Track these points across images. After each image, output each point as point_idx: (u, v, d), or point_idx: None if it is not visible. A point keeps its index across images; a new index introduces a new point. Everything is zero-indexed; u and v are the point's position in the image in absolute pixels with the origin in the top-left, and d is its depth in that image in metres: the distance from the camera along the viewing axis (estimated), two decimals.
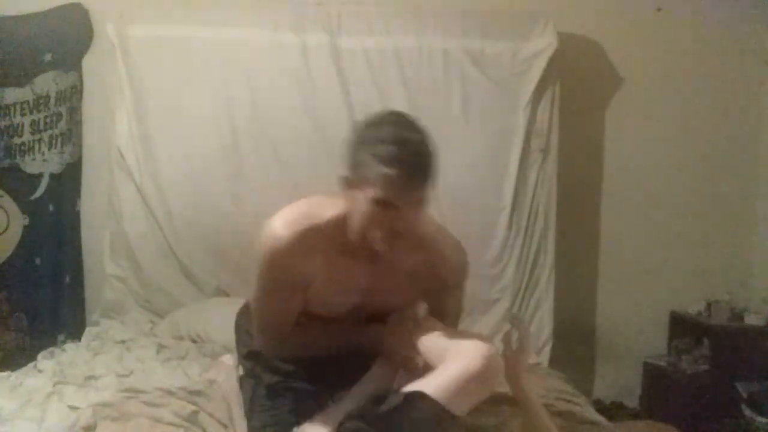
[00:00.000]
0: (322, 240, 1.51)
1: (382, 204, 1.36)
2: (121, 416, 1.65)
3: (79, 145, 3.10)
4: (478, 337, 1.49)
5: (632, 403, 3.14)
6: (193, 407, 1.72)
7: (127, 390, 1.90)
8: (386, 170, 1.33)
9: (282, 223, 1.51)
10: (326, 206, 1.54)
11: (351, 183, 1.43)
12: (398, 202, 1.36)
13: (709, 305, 3.03)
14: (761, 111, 3.23)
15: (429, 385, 1.37)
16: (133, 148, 2.93)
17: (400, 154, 1.34)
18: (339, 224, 1.49)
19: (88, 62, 3.09)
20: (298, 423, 1.56)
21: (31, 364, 2.32)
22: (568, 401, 2.09)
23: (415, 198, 1.38)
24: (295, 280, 1.55)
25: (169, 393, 1.81)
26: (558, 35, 2.91)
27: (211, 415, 1.71)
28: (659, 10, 3.16)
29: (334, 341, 1.64)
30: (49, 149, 3.05)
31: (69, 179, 3.08)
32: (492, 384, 1.44)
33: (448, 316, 1.69)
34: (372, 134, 1.40)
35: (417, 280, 1.61)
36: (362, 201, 1.39)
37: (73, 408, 1.84)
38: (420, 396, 1.34)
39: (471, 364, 1.39)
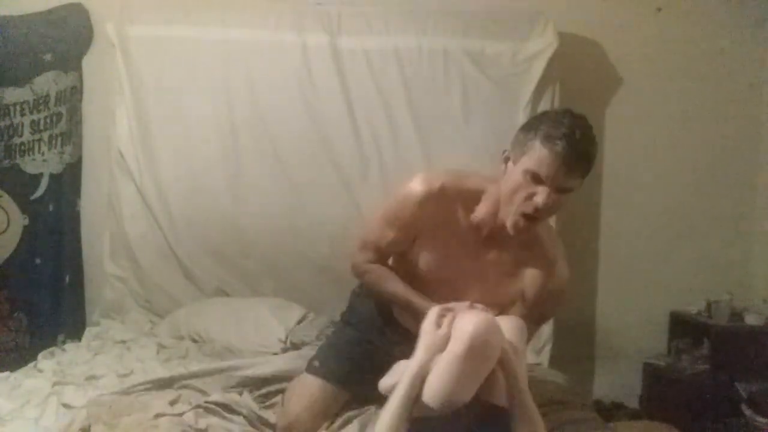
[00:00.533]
0: (449, 206, 1.68)
1: (533, 176, 1.50)
2: (115, 417, 1.65)
3: (79, 145, 3.10)
4: (475, 314, 1.48)
5: (632, 403, 3.14)
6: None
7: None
8: (550, 147, 1.47)
9: (422, 179, 1.70)
10: (470, 179, 1.73)
11: (511, 157, 1.60)
12: (548, 179, 1.49)
13: (709, 305, 3.03)
14: (761, 111, 3.23)
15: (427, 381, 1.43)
16: (133, 148, 2.93)
17: (568, 138, 1.46)
18: (472, 198, 1.68)
19: (88, 62, 3.09)
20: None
21: (31, 364, 2.32)
22: (568, 401, 2.09)
23: (563, 183, 1.50)
24: (411, 228, 1.72)
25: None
26: (558, 35, 2.91)
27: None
28: (659, 10, 3.16)
29: (399, 297, 1.76)
30: (49, 149, 3.05)
31: (69, 179, 3.08)
32: (486, 357, 1.44)
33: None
34: (549, 119, 1.53)
35: (514, 281, 1.71)
36: (516, 172, 1.54)
37: (68, 407, 1.84)
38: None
39: (455, 347, 1.42)
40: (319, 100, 2.94)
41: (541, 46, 2.94)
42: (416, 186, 1.69)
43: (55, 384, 2.05)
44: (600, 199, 3.21)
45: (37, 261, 3.05)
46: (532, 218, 1.55)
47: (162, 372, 2.20)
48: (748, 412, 2.78)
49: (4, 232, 3.05)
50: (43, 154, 3.05)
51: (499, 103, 2.96)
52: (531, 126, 1.56)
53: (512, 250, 1.68)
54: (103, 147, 3.05)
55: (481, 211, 1.67)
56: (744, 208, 3.24)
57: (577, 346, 3.11)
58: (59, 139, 3.05)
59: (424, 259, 1.74)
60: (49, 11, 3.04)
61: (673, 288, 3.18)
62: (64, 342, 2.83)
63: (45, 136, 3.05)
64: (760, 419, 2.73)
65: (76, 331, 2.89)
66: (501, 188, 1.60)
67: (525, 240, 1.66)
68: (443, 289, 1.69)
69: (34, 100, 3.04)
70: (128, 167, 2.94)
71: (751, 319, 2.97)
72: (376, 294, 1.87)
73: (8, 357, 2.88)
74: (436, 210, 1.68)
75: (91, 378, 2.14)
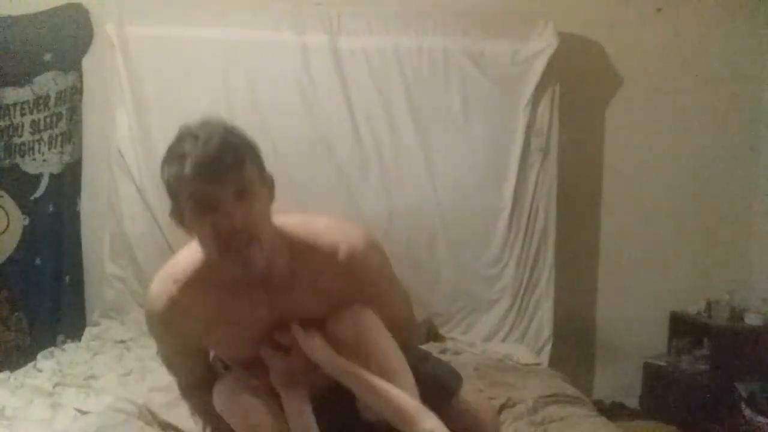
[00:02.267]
0: (201, 285, 1.36)
1: (198, 210, 1.26)
2: None
3: (79, 145, 3.10)
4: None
5: (632, 403, 3.14)
6: None
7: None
8: (179, 179, 1.26)
9: (156, 284, 1.42)
10: (190, 252, 1.40)
11: (175, 214, 1.34)
12: (209, 197, 1.24)
13: (709, 305, 3.03)
14: (761, 111, 3.23)
15: None
16: (133, 148, 2.93)
17: (192, 149, 1.25)
18: (208, 269, 1.36)
19: (88, 62, 3.09)
20: None
21: (31, 364, 2.32)
22: (568, 401, 2.09)
23: (228, 188, 1.24)
24: (188, 338, 1.42)
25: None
26: (558, 35, 2.91)
27: None
28: (659, 10, 3.16)
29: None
30: (49, 149, 3.05)
31: (69, 179, 3.08)
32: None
33: (387, 317, 1.44)
34: (164, 159, 1.33)
35: (321, 296, 1.40)
36: (191, 221, 1.29)
37: (79, 411, 1.84)
38: None
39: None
40: (319, 100, 2.94)
41: (541, 46, 2.94)
42: (152, 307, 1.40)
43: (56, 384, 2.05)
44: (600, 199, 3.21)
45: (37, 261, 3.05)
46: (242, 240, 1.25)
47: (162, 372, 2.20)
48: (748, 412, 2.78)
49: (4, 232, 3.05)
50: (43, 154, 3.05)
51: (499, 103, 2.97)
52: (162, 168, 1.33)
53: (295, 279, 1.38)
54: (103, 147, 3.05)
55: (221, 279, 1.35)
56: (744, 208, 3.24)
57: (577, 346, 3.12)
58: (59, 139, 3.05)
59: (224, 349, 1.48)
60: (49, 11, 3.04)
61: (673, 288, 3.18)
62: (64, 342, 2.83)
63: (45, 136, 3.05)
64: (760, 419, 2.73)
65: (76, 331, 2.89)
66: (201, 243, 1.31)
67: (296, 262, 1.37)
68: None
69: (34, 100, 3.04)
70: (128, 167, 2.94)
71: (751, 319, 2.97)
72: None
73: (8, 357, 2.88)
74: (191, 312, 1.37)
75: (91, 378, 2.14)
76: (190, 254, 1.40)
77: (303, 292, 1.38)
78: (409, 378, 1.38)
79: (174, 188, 1.30)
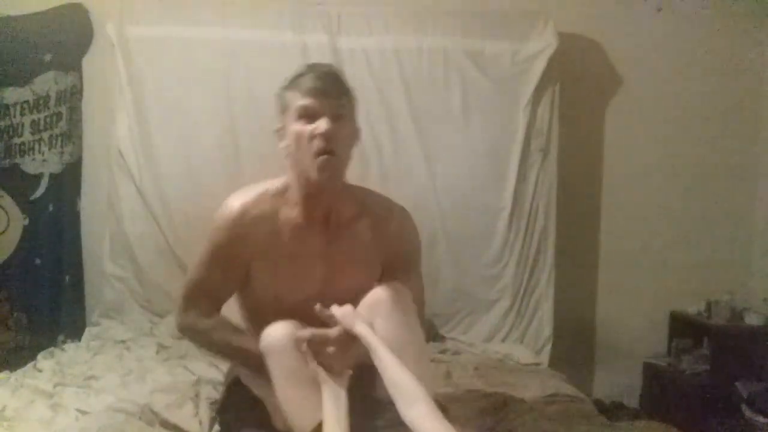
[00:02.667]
0: (268, 219, 1.55)
1: (304, 116, 1.49)
2: None
3: (79, 145, 3.10)
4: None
5: (632, 403, 3.14)
6: None
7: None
8: (299, 86, 1.51)
9: (234, 197, 1.59)
10: (272, 182, 1.61)
11: (281, 126, 1.58)
12: (316, 108, 1.48)
13: (709, 305, 3.03)
14: (761, 111, 3.23)
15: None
16: (133, 148, 2.93)
17: (308, 73, 1.52)
18: (281, 198, 1.57)
19: (88, 62, 3.09)
20: None
21: (31, 364, 2.32)
22: (568, 401, 2.09)
23: (330, 108, 1.48)
24: (239, 258, 1.56)
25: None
26: (558, 35, 2.92)
27: None
28: (659, 10, 3.16)
29: (240, 350, 1.56)
30: (49, 149, 3.05)
31: (69, 179, 3.08)
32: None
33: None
34: (282, 89, 1.59)
35: (369, 255, 1.59)
36: (291, 128, 1.52)
37: (80, 411, 1.84)
38: None
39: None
40: None
41: (541, 46, 2.94)
42: (226, 212, 1.58)
43: (56, 385, 2.05)
44: (600, 199, 3.21)
45: (37, 261, 3.05)
46: (327, 152, 1.47)
47: (162, 372, 2.21)
48: (748, 412, 2.78)
49: (4, 232, 3.05)
50: (43, 154, 3.05)
51: (499, 103, 2.97)
52: (282, 92, 1.59)
53: (349, 231, 1.57)
54: (103, 147, 3.05)
55: (292, 203, 1.56)
56: (744, 209, 3.24)
57: (577, 346, 3.12)
58: (59, 139, 3.05)
59: (268, 285, 1.56)
60: (49, 11, 3.04)
61: (673, 288, 3.18)
62: (64, 342, 2.83)
63: (45, 136, 3.05)
64: (760, 419, 2.73)
65: (76, 331, 2.89)
66: (291, 163, 1.54)
67: (354, 213, 1.58)
68: (300, 307, 1.49)
69: (34, 100, 3.04)
70: (128, 167, 2.94)
71: (751, 319, 2.97)
72: (214, 353, 1.69)
73: (8, 357, 2.88)
74: (257, 227, 1.54)
75: (91, 378, 2.14)
76: (270, 182, 1.61)
77: (354, 242, 1.56)
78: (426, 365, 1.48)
79: (288, 100, 1.54)
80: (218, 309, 1.62)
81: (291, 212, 1.56)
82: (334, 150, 1.47)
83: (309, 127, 1.48)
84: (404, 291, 1.51)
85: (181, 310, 1.62)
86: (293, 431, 1.39)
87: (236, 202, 1.57)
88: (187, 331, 1.64)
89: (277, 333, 1.44)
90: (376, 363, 1.36)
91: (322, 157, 1.47)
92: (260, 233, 1.54)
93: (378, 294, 1.48)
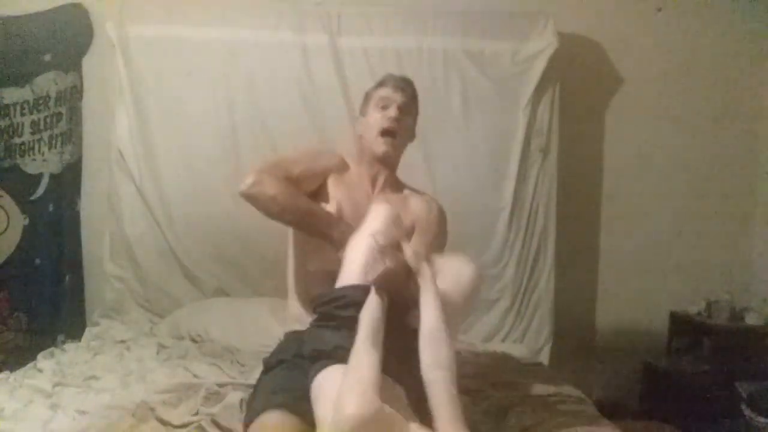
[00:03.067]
0: (342, 161, 2.05)
1: (381, 105, 1.98)
2: None
3: (79, 145, 3.11)
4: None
5: (632, 403, 3.14)
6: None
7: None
8: (381, 86, 2.03)
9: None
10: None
11: (362, 112, 2.08)
12: (391, 99, 1.98)
13: (709, 305, 3.03)
14: (761, 111, 3.23)
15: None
16: (133, 148, 2.93)
17: (389, 76, 2.07)
18: (341, 165, 2.04)
19: (88, 62, 3.09)
20: None
21: (31, 364, 2.32)
22: (568, 401, 2.09)
23: (402, 99, 2.00)
24: (325, 166, 2.01)
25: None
26: (558, 35, 2.92)
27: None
28: (659, 10, 3.16)
29: (312, 215, 1.87)
30: (49, 149, 3.05)
31: (69, 179, 3.08)
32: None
33: None
34: (369, 91, 2.08)
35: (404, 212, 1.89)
36: (370, 112, 2.02)
37: (79, 412, 1.84)
38: None
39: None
40: (319, 100, 2.94)
41: (541, 46, 2.94)
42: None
43: (56, 385, 2.05)
44: (600, 199, 3.21)
45: (37, 261, 3.05)
46: (391, 132, 1.97)
47: (162, 372, 2.20)
48: (748, 412, 2.78)
49: (4, 232, 3.05)
50: (43, 154, 3.05)
51: (499, 103, 2.97)
52: (369, 91, 2.08)
53: (397, 194, 2.03)
54: (103, 147, 3.05)
55: (366, 141, 2.02)
56: (744, 208, 3.24)
57: (577, 346, 3.12)
58: (59, 139, 3.06)
59: (332, 201, 1.92)
60: (49, 11, 3.04)
61: (673, 288, 3.18)
62: (64, 342, 2.83)
63: (45, 136, 3.05)
64: (760, 419, 2.73)
65: (76, 331, 2.89)
66: (362, 136, 2.04)
67: (401, 189, 2.07)
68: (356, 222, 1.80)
69: (34, 100, 3.04)
70: (128, 167, 2.94)
71: (751, 319, 2.97)
72: (279, 212, 1.88)
73: (8, 357, 2.88)
74: (342, 162, 2.05)
75: (91, 378, 2.14)
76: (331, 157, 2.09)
77: (398, 203, 1.89)
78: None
79: (372, 93, 2.05)
80: (296, 182, 1.92)
81: (353, 171, 2.04)
82: (395, 132, 1.98)
83: (382, 114, 1.97)
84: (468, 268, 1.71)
85: (254, 173, 1.87)
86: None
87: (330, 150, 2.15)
88: (258, 187, 1.87)
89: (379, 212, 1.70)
90: (423, 311, 1.47)
91: (386, 137, 1.97)
92: (339, 164, 2.04)
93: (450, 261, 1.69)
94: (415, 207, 2.00)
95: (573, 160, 3.07)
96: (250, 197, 1.89)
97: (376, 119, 1.97)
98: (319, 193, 1.96)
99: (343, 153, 2.09)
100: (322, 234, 1.83)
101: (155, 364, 2.30)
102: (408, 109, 2.02)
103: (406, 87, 2.03)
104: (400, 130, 1.99)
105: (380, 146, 1.97)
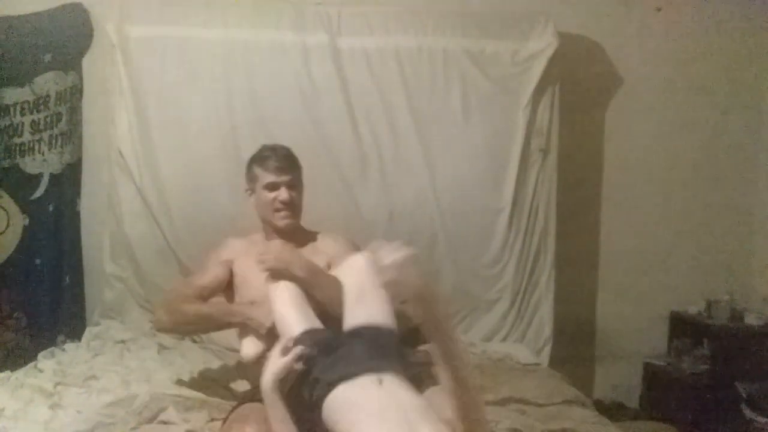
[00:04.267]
0: (255, 241, 2.15)
1: (269, 187, 2.08)
2: None
3: (79, 145, 3.10)
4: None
5: (632, 403, 3.14)
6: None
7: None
8: (262, 163, 2.11)
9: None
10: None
11: (248, 188, 2.17)
12: (277, 182, 2.08)
13: (709, 305, 3.03)
14: (761, 111, 3.23)
15: None
16: (133, 148, 2.93)
17: (268, 152, 2.13)
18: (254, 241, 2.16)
19: (88, 62, 3.09)
20: None
21: (31, 364, 2.32)
22: (568, 401, 2.09)
23: (288, 179, 2.10)
24: (228, 259, 2.12)
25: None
26: (558, 35, 2.91)
27: None
28: (659, 10, 3.16)
29: (207, 318, 1.99)
30: (49, 149, 3.05)
31: (69, 179, 3.08)
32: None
33: None
34: (252, 156, 2.18)
35: (321, 256, 2.05)
36: (259, 195, 2.11)
37: (80, 412, 1.84)
38: None
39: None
40: (319, 100, 2.94)
41: (541, 46, 2.94)
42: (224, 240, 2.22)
43: (56, 384, 2.05)
44: (600, 199, 3.22)
45: (37, 261, 3.05)
46: (288, 210, 2.09)
47: (162, 372, 2.21)
48: (748, 412, 2.78)
49: (4, 232, 3.05)
50: (43, 154, 3.05)
51: (499, 103, 2.97)
52: (249, 165, 2.16)
53: (304, 241, 2.15)
54: (103, 147, 3.05)
55: (262, 217, 2.15)
56: (744, 208, 3.24)
57: (577, 346, 3.12)
58: (59, 139, 3.05)
59: (250, 281, 2.00)
60: (49, 11, 3.04)
61: (673, 288, 3.18)
62: (64, 342, 2.83)
63: (45, 136, 3.05)
64: (760, 419, 2.73)
65: (76, 331, 2.89)
66: (259, 212, 2.15)
67: (305, 235, 2.18)
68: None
69: (34, 100, 3.04)
70: (128, 167, 2.94)
71: (751, 319, 2.98)
72: (182, 331, 2.25)
73: (8, 357, 2.88)
74: (243, 243, 2.17)
75: (92, 378, 2.14)
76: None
77: (305, 251, 2.05)
78: None
79: (257, 173, 2.12)
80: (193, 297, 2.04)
81: (261, 238, 2.17)
82: (290, 208, 2.10)
83: (272, 195, 2.09)
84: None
85: (154, 311, 2.16)
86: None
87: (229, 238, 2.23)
88: (158, 327, 2.18)
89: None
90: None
91: (282, 213, 2.10)
92: (240, 247, 2.16)
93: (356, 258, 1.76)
94: (326, 247, 2.14)
95: (573, 160, 3.07)
96: (159, 331, 2.35)
97: (268, 200, 2.09)
98: (236, 283, 2.09)
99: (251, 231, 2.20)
100: (230, 325, 1.99)
101: (156, 365, 2.31)
102: (294, 182, 2.12)
103: (286, 166, 2.11)
104: (294, 201, 2.11)
105: (280, 221, 2.10)
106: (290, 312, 1.65)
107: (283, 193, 2.08)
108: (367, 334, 1.49)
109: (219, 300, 2.07)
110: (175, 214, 2.92)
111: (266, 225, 2.15)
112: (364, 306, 1.56)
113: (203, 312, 1.99)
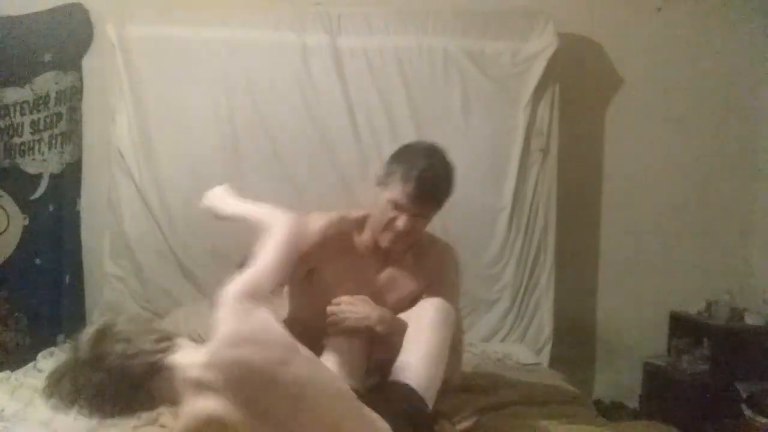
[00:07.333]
0: (342, 237, 1.78)
1: (394, 205, 1.68)
2: None
3: (79, 145, 3.10)
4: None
5: (632, 403, 3.14)
6: None
7: None
8: (405, 185, 1.66)
9: (319, 214, 1.78)
10: (354, 211, 1.82)
11: (380, 182, 1.74)
12: (408, 211, 1.68)
13: (709, 305, 3.03)
14: (761, 111, 3.23)
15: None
16: (133, 148, 2.93)
17: (420, 180, 1.66)
18: (360, 225, 1.80)
19: (88, 62, 3.09)
20: None
21: (30, 364, 2.32)
22: (569, 401, 2.09)
23: (418, 212, 1.69)
24: (312, 260, 1.74)
25: None
26: (558, 35, 2.91)
27: None
28: (659, 10, 3.16)
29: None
30: (49, 149, 3.05)
31: (69, 179, 3.08)
32: None
33: None
34: (409, 155, 1.75)
35: (410, 285, 1.80)
36: (382, 199, 1.71)
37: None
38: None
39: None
40: (319, 100, 2.94)
41: (541, 46, 2.94)
42: (312, 222, 1.75)
43: None
44: (600, 199, 3.21)
45: (37, 261, 3.05)
46: (398, 241, 1.72)
47: None
48: (748, 412, 2.78)
49: (4, 232, 3.05)
50: (43, 154, 3.05)
51: (499, 103, 2.97)
52: (395, 158, 1.76)
53: (405, 263, 1.81)
54: (103, 147, 3.05)
55: (366, 234, 1.79)
56: (744, 208, 3.24)
57: (577, 346, 3.11)
58: (59, 139, 3.05)
59: (324, 290, 1.76)
60: (49, 11, 3.04)
61: (673, 288, 3.18)
62: (64, 342, 2.83)
63: (45, 136, 3.05)
64: (760, 419, 2.73)
65: (76, 331, 2.88)
66: (374, 215, 1.76)
67: (415, 253, 1.81)
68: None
69: (34, 100, 3.04)
70: (128, 167, 2.94)
71: (751, 319, 2.97)
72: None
73: (8, 357, 2.88)
74: (336, 243, 1.77)
75: None
76: (353, 211, 1.82)
77: (398, 274, 1.80)
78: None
79: (393, 180, 1.70)
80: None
81: (358, 239, 1.80)
82: (402, 240, 1.72)
83: (392, 215, 1.69)
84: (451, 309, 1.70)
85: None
86: None
87: (323, 219, 1.76)
88: None
89: None
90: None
91: (391, 238, 1.71)
92: (331, 250, 1.75)
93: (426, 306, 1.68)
94: (428, 268, 1.81)
95: (573, 160, 3.07)
96: None
97: (386, 215, 1.70)
98: (314, 282, 1.80)
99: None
100: None
101: None
102: (425, 215, 1.74)
103: (429, 199, 1.71)
104: (412, 235, 1.73)
105: (384, 242, 1.73)
106: None
107: (402, 222, 1.68)
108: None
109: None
110: (175, 214, 2.92)
111: (371, 228, 1.78)
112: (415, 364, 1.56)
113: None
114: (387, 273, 1.80)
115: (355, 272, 1.78)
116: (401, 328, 1.68)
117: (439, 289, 1.76)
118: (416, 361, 1.59)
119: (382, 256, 1.79)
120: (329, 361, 1.61)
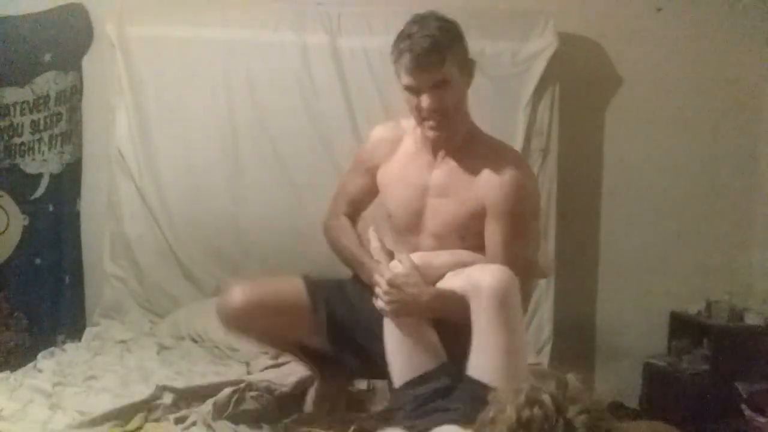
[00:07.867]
0: (396, 137, 1.86)
1: (410, 90, 1.68)
2: None
3: (79, 145, 3.10)
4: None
5: (632, 403, 3.13)
6: None
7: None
8: (403, 62, 1.66)
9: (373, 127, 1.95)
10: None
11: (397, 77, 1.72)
12: (420, 86, 1.65)
13: (709, 305, 3.03)
14: (761, 111, 3.23)
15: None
16: (133, 148, 2.93)
17: (411, 46, 1.64)
18: (411, 128, 1.83)
19: (88, 62, 3.09)
20: None
21: (31, 364, 2.32)
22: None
23: (430, 80, 1.65)
24: (370, 166, 1.89)
25: None
26: (558, 35, 2.91)
27: None
28: (659, 10, 3.16)
29: (353, 254, 1.84)
30: (49, 149, 3.05)
31: (69, 179, 3.08)
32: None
33: (502, 252, 1.70)
34: (399, 35, 1.72)
35: (468, 192, 1.73)
36: (403, 92, 1.71)
37: (80, 412, 1.84)
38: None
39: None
40: (319, 100, 2.94)
41: (541, 46, 2.93)
42: (370, 132, 1.94)
43: (55, 385, 2.05)
44: (600, 198, 3.21)
45: (37, 261, 3.05)
46: (437, 119, 1.69)
47: (162, 372, 2.21)
48: (748, 412, 2.78)
49: (4, 232, 3.05)
50: (43, 154, 3.05)
51: (499, 103, 2.96)
52: (393, 46, 1.72)
53: (455, 165, 1.77)
54: (103, 147, 3.05)
55: (417, 131, 1.80)
56: (744, 208, 3.23)
57: (577, 346, 3.11)
58: (59, 139, 3.05)
59: (386, 197, 1.86)
60: (49, 11, 3.04)
61: (673, 288, 3.17)
62: (64, 342, 2.83)
63: (45, 136, 3.05)
64: (760, 419, 2.73)
65: (76, 331, 2.89)
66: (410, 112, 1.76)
67: (475, 151, 1.78)
68: (413, 216, 1.79)
69: (34, 100, 3.04)
70: (128, 167, 2.94)
71: (751, 319, 2.97)
72: (336, 251, 1.91)
73: (8, 357, 2.88)
74: (384, 144, 1.87)
75: (91, 378, 2.14)
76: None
77: (456, 177, 1.75)
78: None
79: (396, 69, 1.71)
80: (358, 212, 1.95)
81: (410, 141, 1.83)
82: (439, 116, 1.67)
83: (415, 100, 1.67)
84: (511, 281, 1.56)
85: (327, 213, 1.96)
86: None
87: (377, 127, 1.93)
88: (325, 228, 1.94)
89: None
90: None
91: (429, 123, 1.69)
92: (384, 150, 1.86)
93: (481, 281, 1.56)
94: (484, 186, 1.72)
95: (573, 160, 3.06)
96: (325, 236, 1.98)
97: (412, 104, 1.69)
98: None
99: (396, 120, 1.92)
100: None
101: (155, 365, 2.31)
102: (443, 79, 1.66)
103: (427, 62, 1.63)
104: (445, 107, 1.67)
105: (427, 132, 1.72)
106: None
107: (425, 100, 1.64)
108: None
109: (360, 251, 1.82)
110: (175, 214, 2.92)
111: (415, 125, 1.79)
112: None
113: (345, 254, 1.86)
114: (441, 171, 1.77)
115: (407, 171, 1.81)
116: (454, 306, 1.59)
117: (502, 218, 1.70)
118: (491, 359, 1.54)
119: (434, 150, 1.77)
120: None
